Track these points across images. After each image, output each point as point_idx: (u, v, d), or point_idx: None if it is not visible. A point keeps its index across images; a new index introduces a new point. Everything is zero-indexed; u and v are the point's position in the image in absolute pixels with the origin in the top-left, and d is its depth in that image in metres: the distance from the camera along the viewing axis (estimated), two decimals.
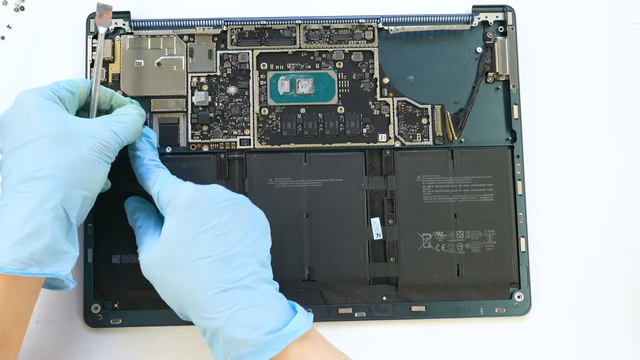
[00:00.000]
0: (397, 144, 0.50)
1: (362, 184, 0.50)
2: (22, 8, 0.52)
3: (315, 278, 0.49)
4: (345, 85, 0.51)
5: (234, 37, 0.50)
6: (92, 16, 0.51)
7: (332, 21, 0.51)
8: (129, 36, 0.50)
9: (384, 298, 0.49)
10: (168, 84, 0.50)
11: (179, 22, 0.51)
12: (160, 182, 0.43)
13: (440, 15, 0.51)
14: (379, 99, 0.50)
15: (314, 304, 0.49)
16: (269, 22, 0.51)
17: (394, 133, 0.50)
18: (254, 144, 0.50)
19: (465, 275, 0.49)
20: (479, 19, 0.51)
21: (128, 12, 0.51)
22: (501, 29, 0.52)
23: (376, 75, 0.51)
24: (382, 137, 0.50)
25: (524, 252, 0.50)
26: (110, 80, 0.50)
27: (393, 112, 0.50)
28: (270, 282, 0.42)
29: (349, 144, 0.50)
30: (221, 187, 0.43)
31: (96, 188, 0.42)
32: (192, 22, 0.51)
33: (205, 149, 0.50)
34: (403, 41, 0.52)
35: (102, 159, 0.42)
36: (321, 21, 0.51)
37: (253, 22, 0.51)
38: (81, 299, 0.49)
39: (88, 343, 0.49)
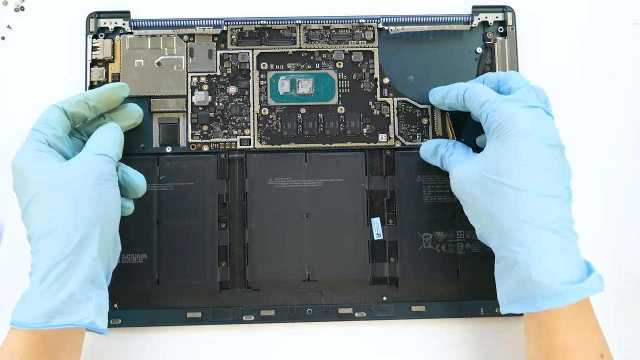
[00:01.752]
0: (397, 144, 0.50)
1: (362, 184, 0.50)
2: (22, 8, 0.52)
3: (315, 278, 0.49)
4: (345, 85, 0.51)
5: (234, 37, 0.50)
6: (91, 16, 0.51)
7: (332, 21, 0.51)
8: (129, 36, 0.50)
9: (384, 298, 0.49)
10: (168, 84, 0.50)
11: (178, 22, 0.51)
12: (492, 103, 0.42)
13: (440, 16, 0.51)
14: (379, 99, 0.50)
15: (314, 304, 0.49)
16: (269, 22, 0.51)
17: (394, 133, 0.50)
18: (254, 144, 0.50)
19: (465, 275, 0.49)
20: (478, 19, 0.52)
21: (128, 12, 0.51)
22: (501, 29, 0.52)
23: (376, 75, 0.51)
24: (382, 137, 0.50)
25: None
26: (110, 80, 0.50)
27: (393, 112, 0.50)
28: (574, 233, 0.41)
29: (349, 144, 0.50)
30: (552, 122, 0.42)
31: (111, 219, 0.42)
32: (192, 22, 0.51)
33: (206, 148, 0.50)
34: (403, 41, 0.52)
35: (104, 187, 0.42)
36: (321, 21, 0.51)
37: (253, 22, 0.51)
38: None
39: (87, 343, 0.49)
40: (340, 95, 0.51)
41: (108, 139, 0.44)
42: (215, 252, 0.49)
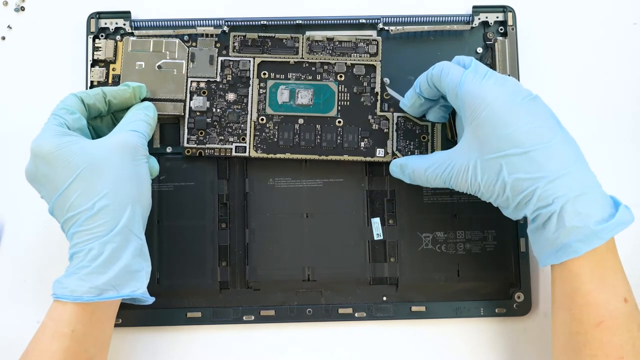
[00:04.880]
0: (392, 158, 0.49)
1: (362, 184, 0.50)
2: (22, 8, 0.52)
3: (315, 278, 0.49)
4: (345, 98, 0.49)
5: (236, 44, 0.49)
6: (92, 16, 0.51)
7: (334, 21, 0.51)
8: (132, 38, 0.50)
9: (384, 298, 0.49)
10: (167, 88, 0.49)
11: (179, 22, 0.51)
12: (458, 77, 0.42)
13: (440, 16, 0.51)
14: (379, 113, 0.49)
15: (314, 304, 0.49)
16: (270, 22, 0.51)
17: (392, 149, 0.49)
18: (249, 152, 0.49)
19: (465, 275, 0.49)
20: (479, 19, 0.51)
21: (129, 12, 0.51)
22: (501, 29, 0.52)
23: (377, 89, 0.49)
24: (379, 152, 0.49)
25: (524, 252, 0.50)
26: (110, 81, 0.49)
27: (392, 128, 0.49)
28: (591, 170, 0.41)
29: (345, 157, 0.49)
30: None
31: (147, 194, 0.44)
32: (193, 22, 0.50)
33: (200, 154, 0.49)
34: (403, 41, 0.52)
35: (139, 163, 0.43)
36: (323, 21, 0.51)
37: (253, 22, 0.51)
38: None
39: None
40: (339, 108, 0.49)
41: (141, 116, 0.45)
42: (215, 252, 0.49)
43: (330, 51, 0.49)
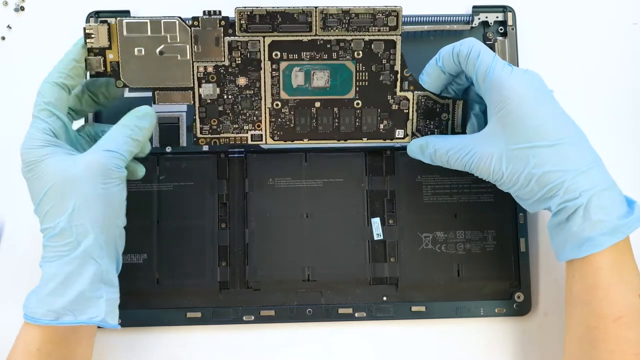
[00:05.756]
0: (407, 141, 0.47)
1: (362, 184, 0.50)
2: (22, 8, 0.52)
3: (315, 278, 0.49)
4: (363, 78, 0.46)
5: (243, 21, 0.45)
6: (90, 15, 0.51)
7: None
8: (126, 19, 0.44)
9: (384, 298, 0.49)
10: (173, 75, 0.45)
11: None
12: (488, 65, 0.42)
13: (440, 15, 0.51)
14: (398, 93, 0.46)
15: (314, 304, 0.49)
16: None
17: (412, 129, 0.47)
18: (266, 140, 0.47)
19: (465, 275, 0.49)
20: (479, 19, 0.51)
21: (128, 12, 0.51)
22: (501, 29, 0.52)
23: (397, 67, 0.46)
24: (399, 133, 0.47)
25: (524, 252, 0.50)
26: (108, 70, 0.45)
27: (412, 108, 0.47)
28: (605, 167, 0.42)
29: (365, 140, 0.47)
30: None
31: (118, 217, 0.42)
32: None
33: (215, 143, 0.47)
34: (403, 41, 0.51)
35: (109, 187, 0.41)
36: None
37: None
38: None
39: None
40: (357, 89, 0.46)
41: (127, 132, 0.43)
42: (215, 252, 0.49)
43: (347, 25, 0.45)
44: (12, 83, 0.52)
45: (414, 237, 0.49)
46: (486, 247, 0.50)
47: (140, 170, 0.46)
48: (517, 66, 0.51)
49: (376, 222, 0.50)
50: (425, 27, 0.51)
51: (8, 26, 0.52)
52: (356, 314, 0.49)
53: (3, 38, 0.52)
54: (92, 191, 0.41)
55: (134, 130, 0.43)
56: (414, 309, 0.49)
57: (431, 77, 0.46)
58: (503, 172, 0.41)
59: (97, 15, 0.51)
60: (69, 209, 0.40)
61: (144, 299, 0.49)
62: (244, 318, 0.49)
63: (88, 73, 0.45)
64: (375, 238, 0.49)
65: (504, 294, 0.50)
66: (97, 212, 0.41)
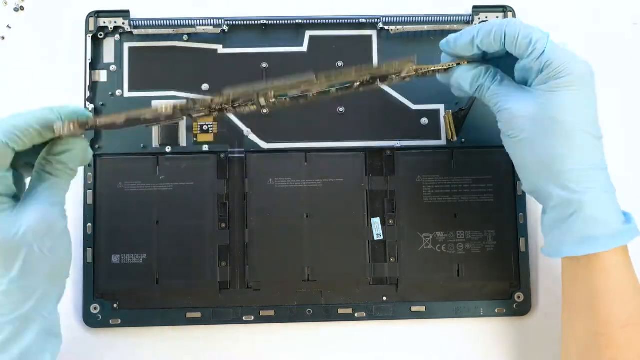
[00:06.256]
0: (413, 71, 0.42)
1: (362, 184, 0.50)
2: (22, 8, 0.52)
3: (315, 278, 0.49)
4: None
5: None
6: (90, 15, 0.51)
7: (334, 20, 0.51)
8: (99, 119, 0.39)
9: (384, 298, 0.49)
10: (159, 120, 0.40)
11: (178, 21, 0.50)
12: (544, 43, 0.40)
13: (440, 16, 0.51)
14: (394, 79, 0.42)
15: (314, 304, 0.49)
16: (270, 21, 0.51)
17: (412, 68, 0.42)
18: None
19: (465, 275, 0.49)
20: (479, 19, 0.51)
21: (128, 11, 0.51)
22: None
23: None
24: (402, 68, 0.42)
25: (524, 252, 0.50)
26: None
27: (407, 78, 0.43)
28: None
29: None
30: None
31: (63, 269, 0.39)
32: (192, 21, 0.50)
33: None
34: (403, 41, 0.52)
35: (56, 240, 0.38)
36: (323, 20, 0.51)
37: (253, 21, 0.51)
38: (80, 299, 0.49)
39: (87, 343, 0.49)
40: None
41: (59, 186, 0.39)
42: (215, 252, 0.49)
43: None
44: (12, 83, 0.52)
45: (414, 237, 0.49)
46: (486, 247, 0.50)
47: (88, 156, 0.41)
48: None
49: (376, 222, 0.50)
50: (425, 27, 0.51)
51: (8, 26, 0.52)
52: (356, 314, 0.49)
53: (3, 38, 0.52)
54: (37, 250, 0.37)
55: (69, 167, 0.39)
56: (414, 309, 0.49)
57: (457, 50, 0.43)
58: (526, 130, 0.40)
59: (97, 15, 0.51)
60: (13, 272, 0.37)
61: (144, 299, 0.49)
62: (244, 318, 0.49)
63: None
64: (375, 238, 0.49)
65: (504, 294, 0.50)
66: (44, 269, 0.38)
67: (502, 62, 0.43)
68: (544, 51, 0.39)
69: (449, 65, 0.43)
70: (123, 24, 0.51)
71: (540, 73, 0.40)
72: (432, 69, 0.43)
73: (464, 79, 0.43)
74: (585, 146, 0.39)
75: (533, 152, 0.40)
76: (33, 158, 0.40)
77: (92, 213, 0.49)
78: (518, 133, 0.40)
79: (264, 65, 0.51)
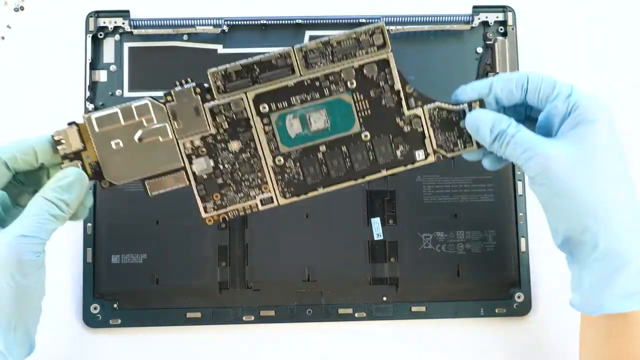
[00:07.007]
0: (437, 158, 0.42)
1: (362, 184, 0.50)
2: (22, 8, 0.52)
3: (315, 278, 0.49)
4: (364, 107, 0.41)
5: (219, 83, 0.40)
6: (90, 15, 0.51)
7: (334, 20, 0.51)
8: (94, 114, 0.39)
9: (384, 298, 0.49)
10: (159, 159, 0.40)
11: (178, 21, 0.51)
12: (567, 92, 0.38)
13: (440, 16, 0.51)
14: (406, 112, 0.41)
15: (314, 304, 0.49)
16: (269, 21, 0.51)
17: (433, 146, 0.41)
18: (277, 201, 0.41)
19: (465, 275, 0.49)
20: (479, 19, 0.52)
21: (127, 11, 0.51)
22: (501, 29, 0.52)
23: (397, 86, 0.40)
24: (419, 155, 0.41)
25: (524, 252, 0.50)
26: (89, 172, 0.39)
27: (426, 124, 0.41)
28: None
29: (384, 172, 0.41)
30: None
31: (35, 304, 0.37)
32: (192, 21, 0.50)
33: (224, 219, 0.42)
34: (403, 41, 0.52)
35: (25, 277, 0.35)
36: (323, 20, 0.51)
37: (253, 21, 0.51)
38: (80, 299, 0.49)
39: (87, 343, 0.49)
40: (361, 120, 0.41)
41: (46, 207, 0.35)
42: (215, 252, 0.49)
43: (331, 57, 0.40)
44: (12, 83, 0.52)
45: (414, 237, 0.49)
46: (486, 247, 0.50)
47: (88, 203, 0.39)
48: (518, 67, 0.51)
49: (376, 222, 0.50)
50: (426, 27, 0.51)
51: (8, 26, 0.52)
52: (356, 314, 0.49)
53: (3, 38, 0.52)
54: (3, 287, 0.34)
55: (57, 204, 0.36)
56: (414, 309, 0.49)
57: (472, 96, 0.40)
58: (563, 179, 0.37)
59: (97, 15, 0.51)
60: None
61: (144, 299, 0.49)
62: (243, 318, 0.49)
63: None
64: (375, 238, 0.49)
65: (504, 294, 0.50)
66: (8, 310, 0.34)
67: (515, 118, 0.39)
68: (570, 93, 0.37)
69: (463, 107, 0.40)
70: (123, 24, 0.51)
71: (568, 117, 0.37)
72: (446, 107, 0.41)
73: (484, 121, 0.38)
74: (627, 192, 0.37)
75: (572, 200, 0.36)
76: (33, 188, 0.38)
77: (92, 213, 0.49)
78: (554, 180, 0.37)
79: None
